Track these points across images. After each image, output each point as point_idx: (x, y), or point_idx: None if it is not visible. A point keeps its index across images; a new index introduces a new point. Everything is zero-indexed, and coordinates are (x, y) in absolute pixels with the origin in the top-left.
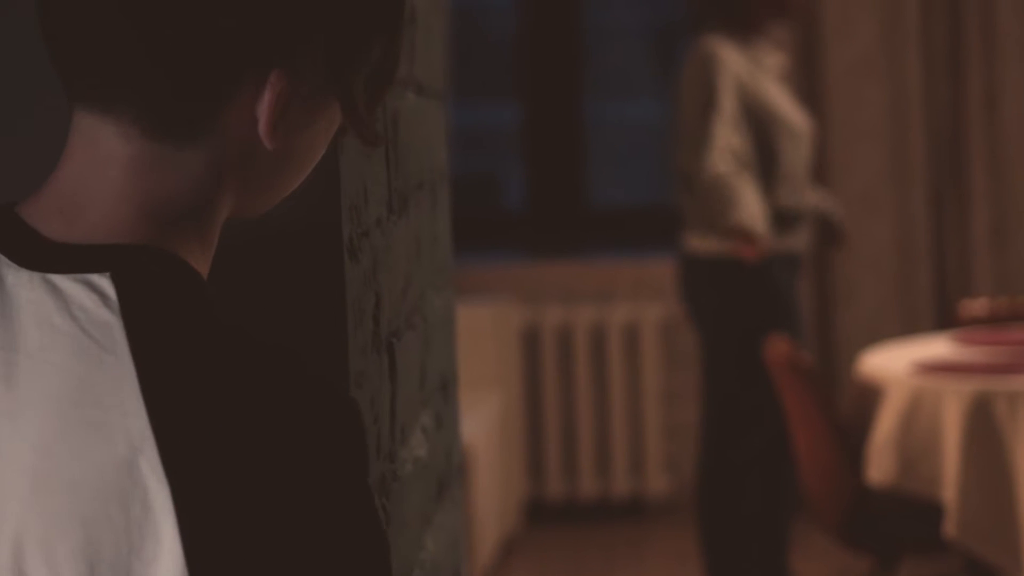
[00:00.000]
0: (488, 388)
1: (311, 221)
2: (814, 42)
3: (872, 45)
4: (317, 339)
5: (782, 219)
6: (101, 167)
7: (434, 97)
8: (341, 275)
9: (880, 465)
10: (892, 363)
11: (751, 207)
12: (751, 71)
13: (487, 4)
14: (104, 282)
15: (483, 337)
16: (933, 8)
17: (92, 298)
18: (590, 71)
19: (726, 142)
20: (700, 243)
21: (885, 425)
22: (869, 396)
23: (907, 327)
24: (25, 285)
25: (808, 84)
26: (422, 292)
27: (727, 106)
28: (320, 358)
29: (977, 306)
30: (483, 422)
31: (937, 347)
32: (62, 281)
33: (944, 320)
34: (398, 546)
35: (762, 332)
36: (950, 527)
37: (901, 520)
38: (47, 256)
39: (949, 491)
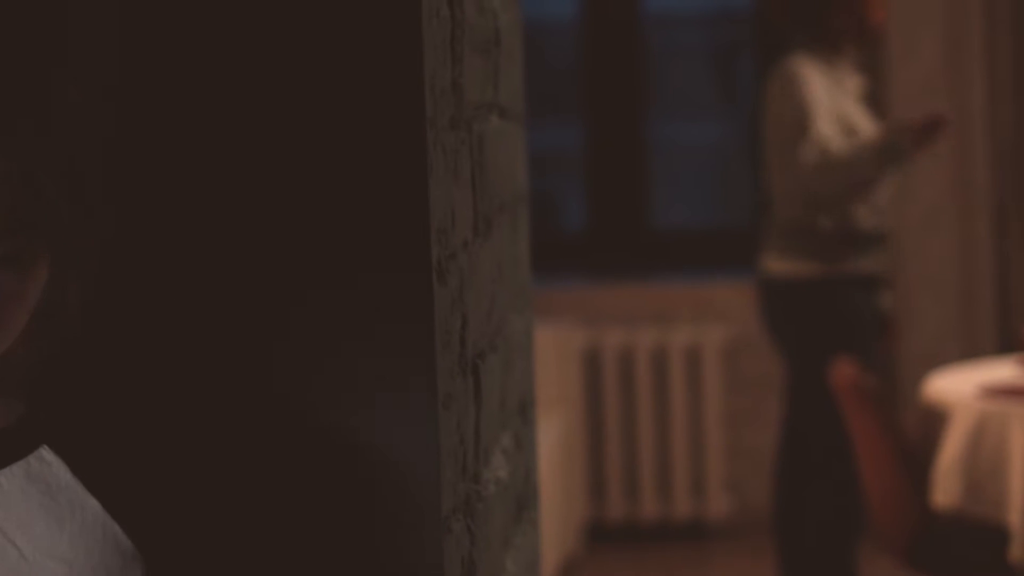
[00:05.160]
0: (549, 410)
1: (400, 243)
2: (878, 62)
3: (936, 65)
4: (405, 361)
5: (859, 240)
6: None
7: (515, 120)
8: (430, 297)
9: (946, 489)
10: (957, 386)
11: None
12: (832, 92)
13: (547, 24)
14: None
15: (544, 359)
16: (997, 28)
17: None
18: (652, 92)
19: (824, 135)
20: (777, 265)
21: (951, 449)
22: (934, 419)
23: (969, 350)
24: None
25: (872, 104)
26: (504, 314)
27: (820, 114)
28: (408, 380)
29: None
30: (544, 444)
31: (1002, 371)
32: None
33: (1007, 343)
34: (483, 566)
35: (838, 355)
36: (1016, 551)
37: (967, 544)
38: None
39: (1015, 515)
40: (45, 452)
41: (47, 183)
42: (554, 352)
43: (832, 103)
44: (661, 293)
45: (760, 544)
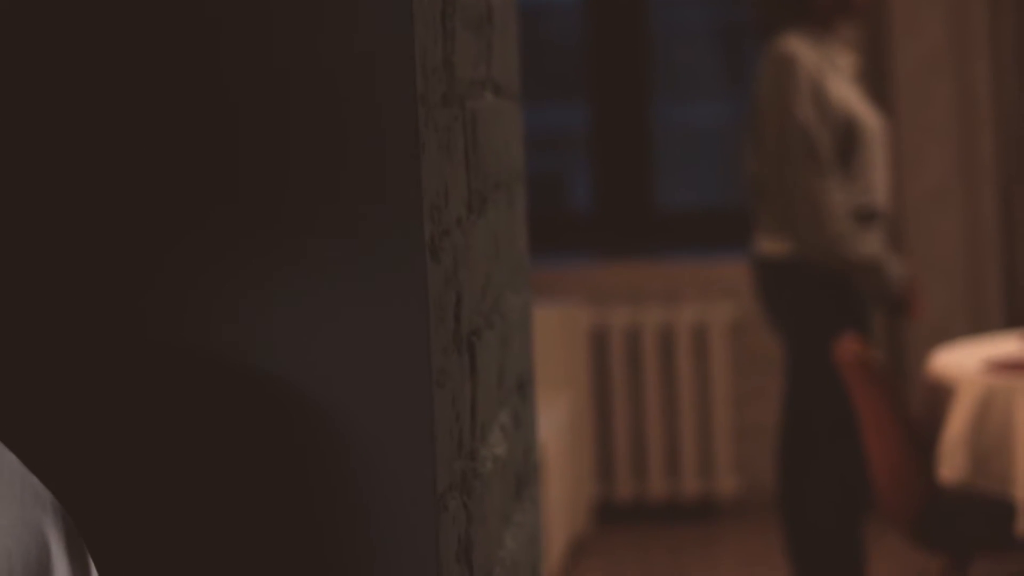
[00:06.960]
0: (557, 389)
1: (393, 220)
2: (882, 40)
3: (940, 43)
4: (399, 337)
5: (855, 218)
6: None
7: (510, 98)
8: (423, 274)
9: (952, 463)
10: (963, 361)
11: (897, 269)
12: (825, 70)
13: (553, 5)
14: None
15: (551, 338)
16: (1001, 5)
17: None
18: (658, 72)
19: (841, 197)
20: (772, 245)
21: (956, 423)
22: (940, 395)
23: (976, 325)
24: None
25: (876, 82)
26: (500, 292)
27: (814, 131)
28: (402, 356)
29: None
30: (552, 423)
31: (1008, 345)
32: None
33: (1013, 318)
34: (479, 543)
35: (837, 332)
36: (1022, 525)
37: (973, 519)
38: None
39: (1021, 489)
40: None
41: None
42: (561, 331)
43: (826, 84)
44: (668, 272)
45: (768, 522)
